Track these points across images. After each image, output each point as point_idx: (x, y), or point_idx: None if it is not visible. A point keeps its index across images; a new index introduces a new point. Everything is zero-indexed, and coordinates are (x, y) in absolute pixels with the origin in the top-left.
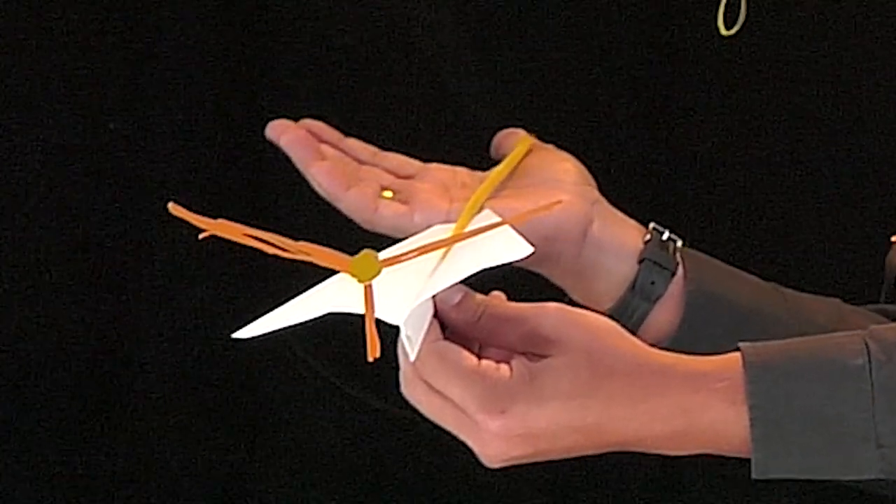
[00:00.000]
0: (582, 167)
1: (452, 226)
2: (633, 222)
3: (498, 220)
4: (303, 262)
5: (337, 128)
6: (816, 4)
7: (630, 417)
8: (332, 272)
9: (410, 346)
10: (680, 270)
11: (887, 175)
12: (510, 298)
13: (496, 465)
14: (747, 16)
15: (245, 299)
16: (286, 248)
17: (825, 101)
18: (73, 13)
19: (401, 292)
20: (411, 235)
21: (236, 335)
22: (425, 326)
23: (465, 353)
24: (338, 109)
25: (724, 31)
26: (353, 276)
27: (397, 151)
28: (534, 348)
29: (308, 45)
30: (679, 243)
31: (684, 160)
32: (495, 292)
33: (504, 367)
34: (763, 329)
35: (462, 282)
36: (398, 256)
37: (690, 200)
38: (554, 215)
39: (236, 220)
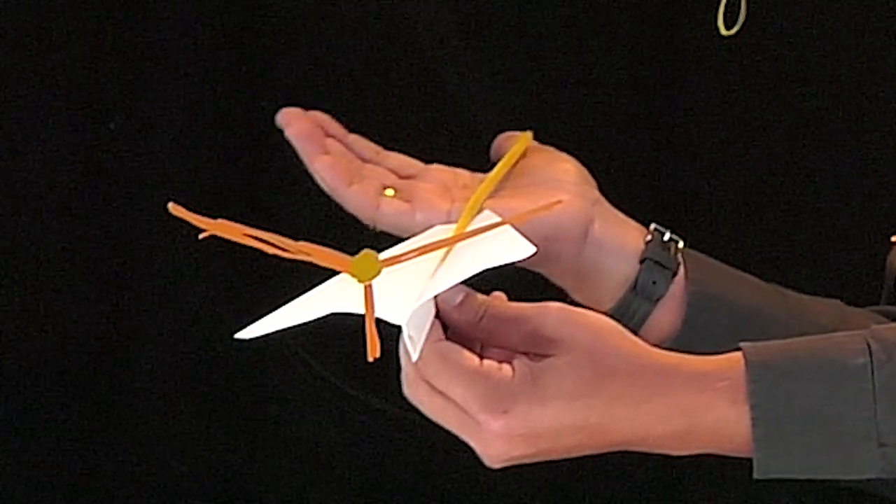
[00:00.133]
0: (582, 168)
1: (453, 226)
2: (634, 223)
3: (499, 220)
4: (303, 262)
5: None
6: (816, 4)
7: (632, 417)
8: (333, 272)
9: (412, 346)
10: (681, 271)
11: (887, 175)
12: (511, 299)
13: (498, 466)
14: (747, 16)
15: (245, 299)
16: (286, 248)
17: (825, 101)
18: (74, 13)
19: (403, 293)
20: (412, 235)
21: (238, 336)
22: (427, 327)
23: (467, 354)
24: (338, 109)
25: (724, 31)
26: (354, 276)
27: (398, 152)
28: (536, 348)
29: (308, 45)
30: (680, 244)
31: (684, 160)
32: (496, 293)
33: (506, 367)
34: (764, 330)
35: (464, 282)
36: (398, 256)
37: (690, 200)
38: (554, 215)
39: (236, 220)
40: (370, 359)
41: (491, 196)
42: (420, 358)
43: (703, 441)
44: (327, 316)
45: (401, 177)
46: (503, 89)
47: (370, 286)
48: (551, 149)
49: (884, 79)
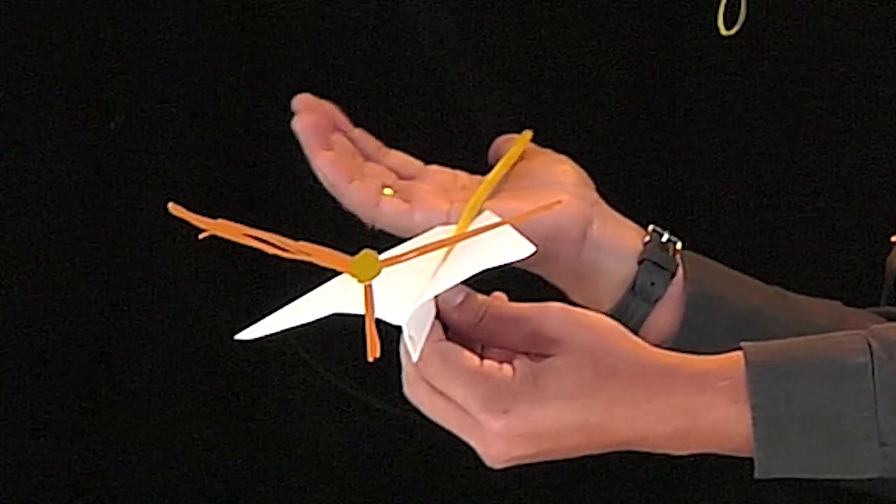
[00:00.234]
0: (580, 170)
1: (453, 228)
2: (632, 224)
3: (499, 220)
4: (303, 262)
5: None
6: (816, 4)
7: (633, 417)
8: (334, 273)
9: (413, 346)
10: (680, 272)
11: (887, 175)
12: (512, 299)
13: (499, 466)
14: (747, 16)
15: (245, 299)
16: (286, 248)
17: (825, 102)
18: (74, 13)
19: (403, 293)
20: (412, 236)
21: (239, 337)
22: (428, 327)
23: (468, 354)
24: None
25: (724, 31)
26: (354, 276)
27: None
28: (536, 348)
29: (308, 46)
30: (679, 245)
31: (683, 160)
32: (497, 293)
33: (507, 367)
34: (763, 331)
35: (464, 282)
36: (398, 256)
37: (690, 200)
38: (553, 215)
39: (236, 220)
40: (370, 359)
41: (490, 197)
42: (420, 358)
43: (704, 441)
44: (328, 317)
45: (401, 176)
46: (503, 89)
47: (370, 286)
48: (550, 151)
49: (884, 79)
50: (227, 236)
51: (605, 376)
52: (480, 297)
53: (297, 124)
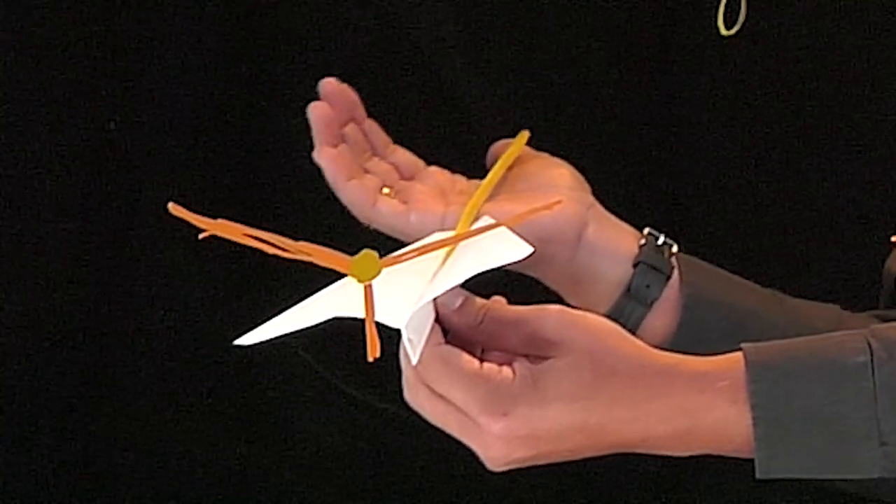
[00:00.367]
0: (577, 173)
1: (452, 233)
2: (628, 227)
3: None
4: (303, 262)
5: None
6: (816, 4)
7: (633, 418)
8: (334, 274)
9: (412, 349)
10: (675, 274)
11: (887, 176)
12: (511, 303)
13: (500, 468)
14: (747, 16)
15: (245, 299)
16: (286, 248)
17: (825, 102)
18: (74, 13)
19: (402, 296)
20: (410, 241)
21: (238, 342)
22: (427, 330)
23: (467, 357)
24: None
25: (724, 31)
26: (353, 276)
27: None
28: (536, 350)
29: (308, 46)
30: (674, 248)
31: (683, 160)
32: (496, 297)
33: (506, 370)
34: (760, 333)
35: (463, 285)
36: (398, 257)
37: (689, 200)
38: (549, 217)
39: (236, 220)
40: (370, 359)
41: (488, 200)
42: (420, 362)
43: (704, 441)
44: (327, 321)
45: (402, 175)
46: (503, 90)
47: (370, 286)
48: (546, 155)
49: (884, 79)
50: (227, 236)
51: (605, 377)
52: (479, 300)
53: (311, 113)
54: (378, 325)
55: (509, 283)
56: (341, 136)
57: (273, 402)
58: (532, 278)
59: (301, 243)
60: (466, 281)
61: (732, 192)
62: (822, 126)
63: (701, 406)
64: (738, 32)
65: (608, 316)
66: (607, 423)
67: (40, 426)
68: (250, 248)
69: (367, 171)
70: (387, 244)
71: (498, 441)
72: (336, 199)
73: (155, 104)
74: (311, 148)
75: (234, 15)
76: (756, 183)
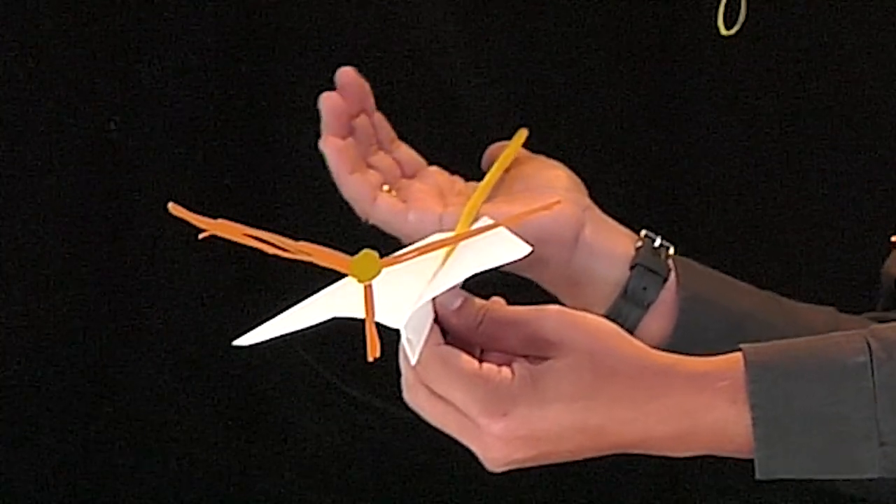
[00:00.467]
0: (573, 175)
1: (451, 235)
2: (624, 229)
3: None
4: (303, 262)
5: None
6: (816, 4)
7: (633, 419)
8: (334, 274)
9: (411, 349)
10: (672, 277)
11: (887, 176)
12: (510, 304)
13: (500, 469)
14: (747, 16)
15: (245, 299)
16: (286, 248)
17: (825, 102)
18: (74, 12)
19: (401, 297)
20: (407, 239)
21: (238, 343)
22: (426, 331)
23: (466, 357)
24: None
25: (724, 31)
26: (353, 275)
27: None
28: (535, 351)
29: (308, 45)
30: (671, 250)
31: (682, 160)
32: (495, 298)
33: (506, 370)
34: (758, 335)
35: (462, 286)
36: (398, 256)
37: (688, 199)
38: (546, 218)
39: (236, 220)
40: (370, 359)
41: (485, 201)
42: (419, 362)
43: (704, 442)
44: (327, 321)
45: (404, 173)
46: (502, 90)
47: (370, 286)
48: (542, 157)
49: (884, 79)
50: (227, 236)
51: (605, 378)
52: (478, 301)
53: (323, 103)
54: (378, 325)
55: (508, 284)
56: (350, 128)
57: (273, 402)
58: (530, 279)
59: (301, 243)
60: (466, 281)
61: (732, 191)
62: (822, 126)
63: (700, 406)
64: (738, 32)
65: (605, 318)
66: (607, 423)
67: (40, 426)
68: (250, 248)
69: (370, 166)
70: (387, 244)
71: (497, 442)
72: (336, 200)
73: (155, 104)
74: (311, 148)
75: (234, 15)
76: (756, 183)
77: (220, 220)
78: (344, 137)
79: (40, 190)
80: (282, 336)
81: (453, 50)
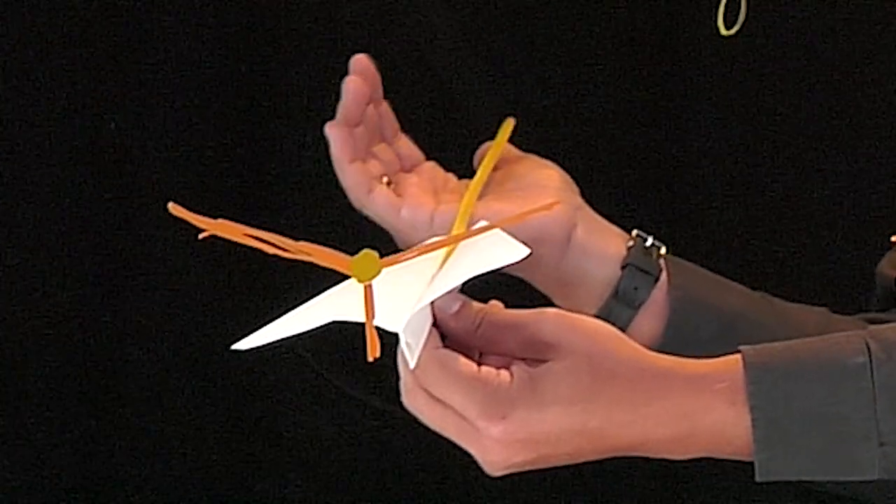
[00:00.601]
0: (565, 174)
1: (449, 236)
2: (616, 229)
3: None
4: (303, 262)
5: None
6: (816, 4)
7: (632, 422)
8: (335, 275)
9: (410, 353)
10: (664, 276)
11: (887, 176)
12: (508, 307)
13: (499, 473)
14: (747, 16)
15: (245, 300)
16: (286, 248)
17: (825, 102)
18: (73, 13)
19: (400, 300)
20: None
21: (237, 346)
22: (424, 334)
23: (465, 360)
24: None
25: (724, 31)
26: (354, 275)
27: None
28: (534, 354)
29: (308, 45)
30: (662, 250)
31: (681, 160)
32: (493, 301)
33: (504, 373)
34: (750, 336)
35: (461, 290)
36: (398, 256)
37: (686, 199)
38: (539, 219)
39: (236, 220)
40: (370, 359)
41: (477, 200)
42: (418, 366)
43: (703, 444)
44: (327, 325)
45: (403, 166)
46: (501, 89)
47: (370, 286)
48: (534, 156)
49: (883, 79)
50: (227, 236)
51: (604, 380)
52: (477, 304)
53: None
54: (377, 326)
55: (506, 286)
56: (362, 117)
57: (273, 402)
58: (524, 281)
59: (301, 243)
60: (464, 284)
61: (731, 191)
62: (821, 126)
63: (699, 408)
64: (738, 32)
65: (596, 318)
66: (606, 426)
67: (40, 425)
68: (250, 248)
69: (372, 156)
70: (387, 244)
71: (496, 445)
72: (336, 199)
73: (155, 104)
74: (312, 148)
75: (234, 15)
76: (754, 182)
77: (220, 220)
78: (357, 125)
79: (40, 189)
80: (281, 340)
81: (453, 50)
